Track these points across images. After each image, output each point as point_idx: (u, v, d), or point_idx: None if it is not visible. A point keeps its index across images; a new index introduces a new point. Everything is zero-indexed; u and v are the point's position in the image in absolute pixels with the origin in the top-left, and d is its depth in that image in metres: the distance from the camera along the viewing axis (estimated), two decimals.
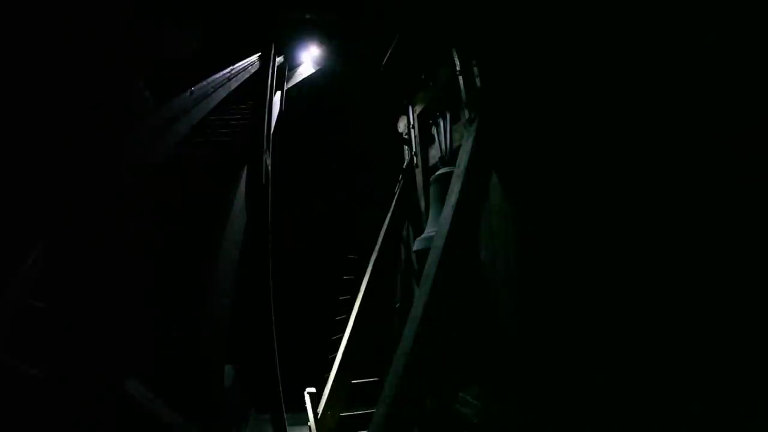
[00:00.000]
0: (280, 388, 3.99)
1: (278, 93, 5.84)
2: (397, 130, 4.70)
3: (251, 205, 3.48)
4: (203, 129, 4.05)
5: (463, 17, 3.01)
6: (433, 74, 3.57)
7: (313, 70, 8.41)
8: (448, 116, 3.50)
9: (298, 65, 8.16)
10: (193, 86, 3.16)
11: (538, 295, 2.28)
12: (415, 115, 4.17)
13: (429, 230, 3.34)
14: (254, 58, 5.15)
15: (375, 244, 4.21)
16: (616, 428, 2.08)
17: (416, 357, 1.91)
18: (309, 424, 3.75)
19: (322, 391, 3.92)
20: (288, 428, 4.04)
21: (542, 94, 2.66)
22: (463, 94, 2.94)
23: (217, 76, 3.99)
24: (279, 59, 5.84)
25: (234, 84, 4.44)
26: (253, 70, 4.97)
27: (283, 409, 3.84)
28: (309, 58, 8.32)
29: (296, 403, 4.27)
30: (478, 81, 2.76)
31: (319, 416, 3.74)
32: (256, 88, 4.65)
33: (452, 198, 2.35)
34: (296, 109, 7.93)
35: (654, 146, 2.28)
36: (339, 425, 3.68)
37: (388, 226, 4.19)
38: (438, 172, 3.41)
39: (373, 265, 4.09)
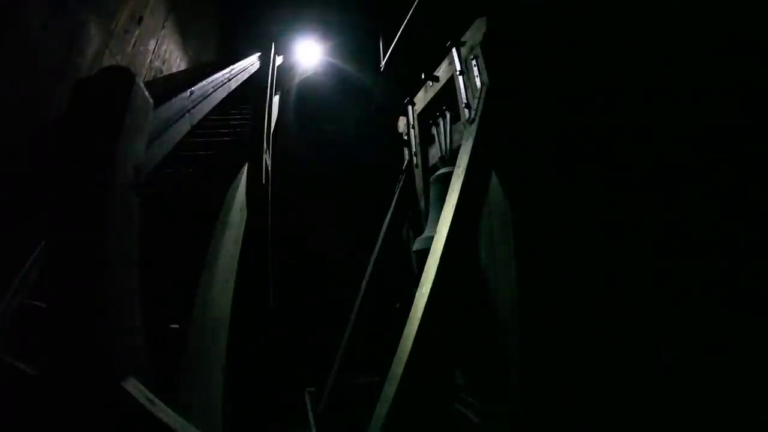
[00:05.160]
0: (278, 387, 4.00)
1: (278, 93, 5.84)
2: (397, 130, 4.70)
3: (251, 205, 3.48)
4: (203, 129, 4.05)
5: (463, 17, 3.01)
6: (433, 74, 3.57)
7: (313, 71, 8.41)
8: (448, 116, 3.50)
9: (298, 65, 8.17)
10: (193, 86, 3.17)
11: (539, 295, 2.28)
12: (415, 115, 4.16)
13: (429, 230, 3.33)
14: (254, 58, 5.16)
15: (375, 244, 4.21)
16: (619, 428, 2.08)
17: (416, 357, 1.91)
18: (309, 423, 3.76)
19: (323, 390, 3.92)
20: (288, 427, 4.04)
21: (542, 94, 2.66)
22: (463, 94, 2.93)
23: (217, 76, 4.00)
24: (279, 59, 5.84)
25: (234, 84, 4.44)
26: (252, 70, 4.97)
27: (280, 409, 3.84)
28: (309, 59, 8.33)
29: (297, 401, 4.27)
30: (478, 81, 2.75)
31: (319, 415, 3.74)
32: (256, 88, 4.65)
33: (452, 198, 2.34)
34: (296, 109, 7.93)
35: (656, 146, 2.27)
36: (339, 424, 3.68)
37: (388, 226, 4.18)
38: (438, 172, 3.41)
39: (373, 265, 4.08)
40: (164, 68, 5.14)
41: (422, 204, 3.98)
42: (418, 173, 4.11)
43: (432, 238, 2.33)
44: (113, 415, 1.02)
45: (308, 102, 8.10)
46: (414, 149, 4.19)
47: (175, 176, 3.20)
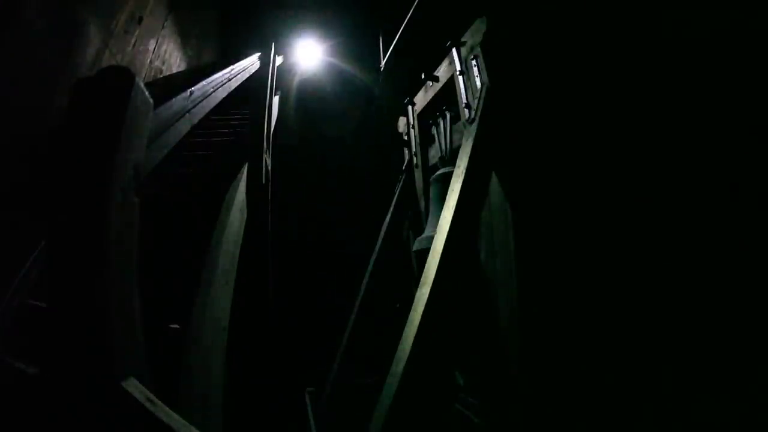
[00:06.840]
0: (278, 387, 3.99)
1: (278, 93, 5.84)
2: (397, 130, 4.70)
3: (251, 205, 3.48)
4: (203, 129, 4.05)
5: (463, 17, 3.01)
6: (433, 74, 3.57)
7: (313, 71, 8.41)
8: (448, 116, 3.50)
9: (298, 65, 8.16)
10: (193, 86, 3.17)
11: (538, 295, 2.28)
12: (415, 115, 4.16)
13: (429, 230, 3.33)
14: (254, 58, 5.16)
15: (375, 244, 4.21)
16: (619, 428, 2.08)
17: (416, 357, 1.91)
18: (309, 423, 3.76)
19: (323, 390, 3.93)
20: (288, 427, 4.04)
21: (542, 94, 2.66)
22: (463, 94, 2.93)
23: (217, 76, 4.00)
24: (279, 59, 5.83)
25: (234, 84, 4.44)
26: (252, 70, 4.97)
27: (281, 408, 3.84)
28: (309, 59, 8.33)
29: (297, 401, 4.28)
30: (478, 81, 2.75)
31: (319, 415, 3.74)
32: (256, 88, 4.65)
33: (452, 198, 2.34)
34: (296, 109, 7.93)
35: (657, 145, 2.27)
36: (339, 424, 3.68)
37: (387, 226, 4.18)
38: (438, 172, 3.41)
39: (373, 265, 4.08)
40: (164, 68, 5.14)
41: (422, 204, 3.98)
42: (418, 173, 4.11)
43: (432, 238, 2.33)
44: (113, 415, 1.02)
45: (308, 102, 8.10)
46: (414, 149, 4.19)
47: (175, 176, 3.20)
